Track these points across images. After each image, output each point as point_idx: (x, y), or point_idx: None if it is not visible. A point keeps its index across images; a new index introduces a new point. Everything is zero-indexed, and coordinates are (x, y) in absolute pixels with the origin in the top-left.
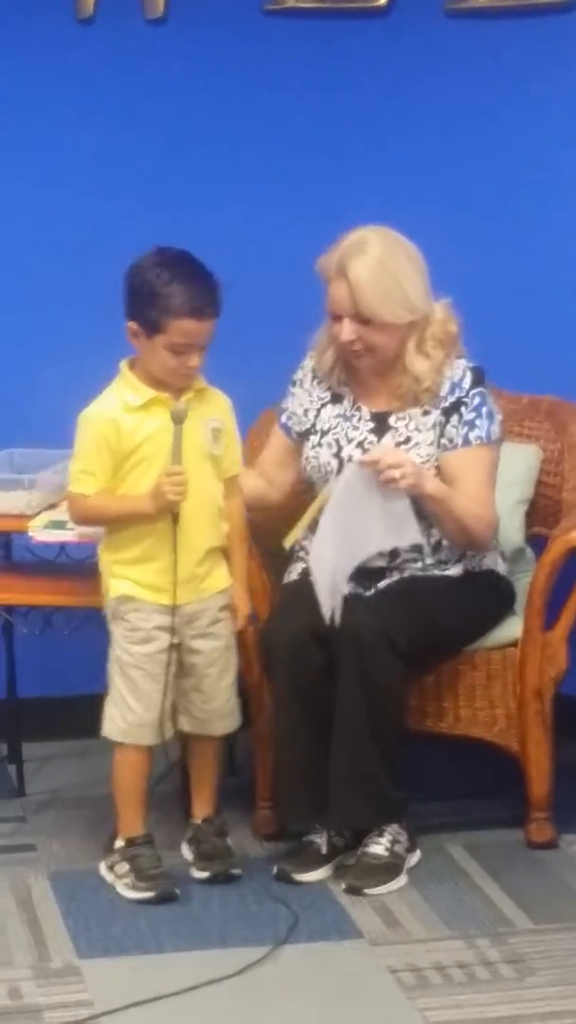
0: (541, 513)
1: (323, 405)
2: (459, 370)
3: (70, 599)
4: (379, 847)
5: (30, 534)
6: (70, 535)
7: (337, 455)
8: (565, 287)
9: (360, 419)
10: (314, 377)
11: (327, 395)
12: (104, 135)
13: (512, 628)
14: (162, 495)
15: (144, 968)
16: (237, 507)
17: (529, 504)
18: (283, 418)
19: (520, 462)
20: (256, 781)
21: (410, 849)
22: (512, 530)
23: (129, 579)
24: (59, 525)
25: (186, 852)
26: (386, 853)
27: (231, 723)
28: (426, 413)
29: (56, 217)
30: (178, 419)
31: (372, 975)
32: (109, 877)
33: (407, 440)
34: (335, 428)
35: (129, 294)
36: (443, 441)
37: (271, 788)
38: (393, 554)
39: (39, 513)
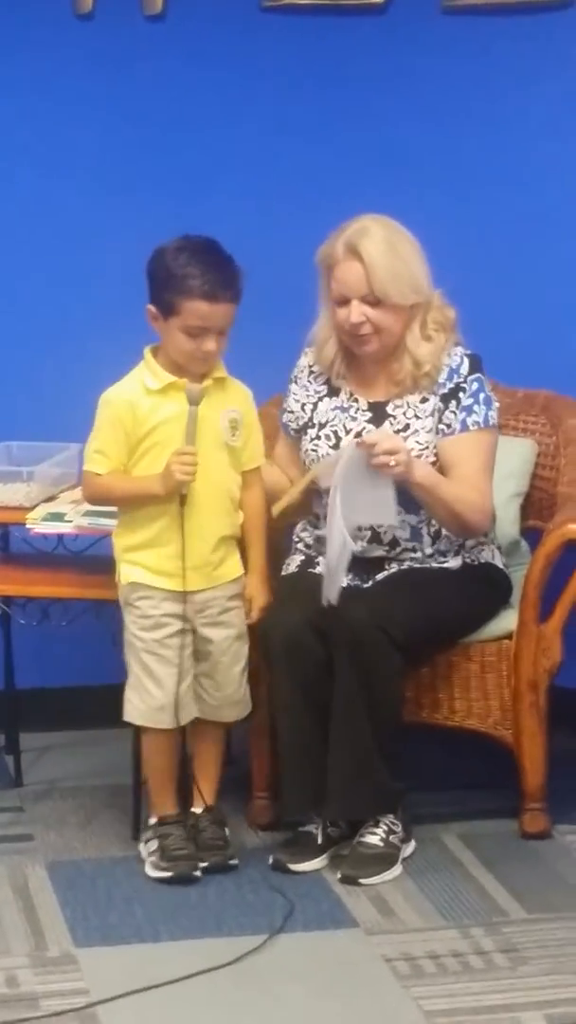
0: (536, 506)
1: (320, 398)
2: (457, 357)
3: (67, 591)
4: (375, 837)
5: (28, 526)
6: (68, 527)
7: (336, 447)
8: (560, 281)
9: (358, 410)
10: (311, 372)
11: (324, 388)
12: (102, 130)
13: (507, 620)
14: (171, 475)
15: (140, 957)
16: (256, 499)
17: (524, 497)
18: (285, 418)
19: (516, 456)
20: (252, 771)
21: (405, 840)
22: (507, 523)
23: (140, 565)
24: (57, 517)
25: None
26: (381, 843)
27: (241, 710)
28: (424, 400)
29: (54, 212)
30: (193, 400)
31: (367, 964)
32: (143, 854)
33: (406, 427)
34: (333, 420)
35: (149, 277)
36: (441, 427)
37: (270, 779)
38: (392, 543)
39: (37, 505)
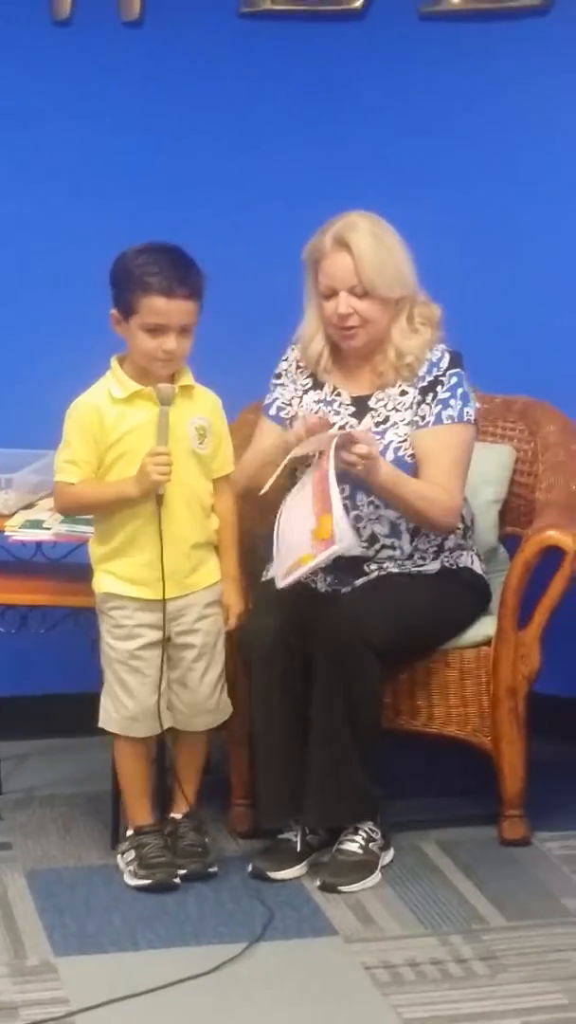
0: (515, 513)
1: (305, 392)
2: (438, 352)
3: (45, 598)
4: (354, 845)
5: (6, 533)
6: (46, 535)
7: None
8: (540, 287)
9: (340, 404)
10: (298, 367)
11: (309, 382)
12: (79, 136)
13: (486, 627)
14: (146, 476)
15: (120, 965)
16: (228, 506)
17: (503, 504)
18: (272, 411)
19: (494, 462)
20: (231, 779)
21: (384, 847)
22: (486, 530)
23: (113, 574)
24: (35, 524)
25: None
26: (360, 851)
27: (214, 719)
28: (403, 393)
29: (32, 218)
30: (164, 400)
31: (346, 972)
32: (121, 865)
33: (386, 420)
34: (316, 413)
35: (111, 282)
36: (415, 419)
37: (249, 786)
38: (371, 539)
39: (15, 513)
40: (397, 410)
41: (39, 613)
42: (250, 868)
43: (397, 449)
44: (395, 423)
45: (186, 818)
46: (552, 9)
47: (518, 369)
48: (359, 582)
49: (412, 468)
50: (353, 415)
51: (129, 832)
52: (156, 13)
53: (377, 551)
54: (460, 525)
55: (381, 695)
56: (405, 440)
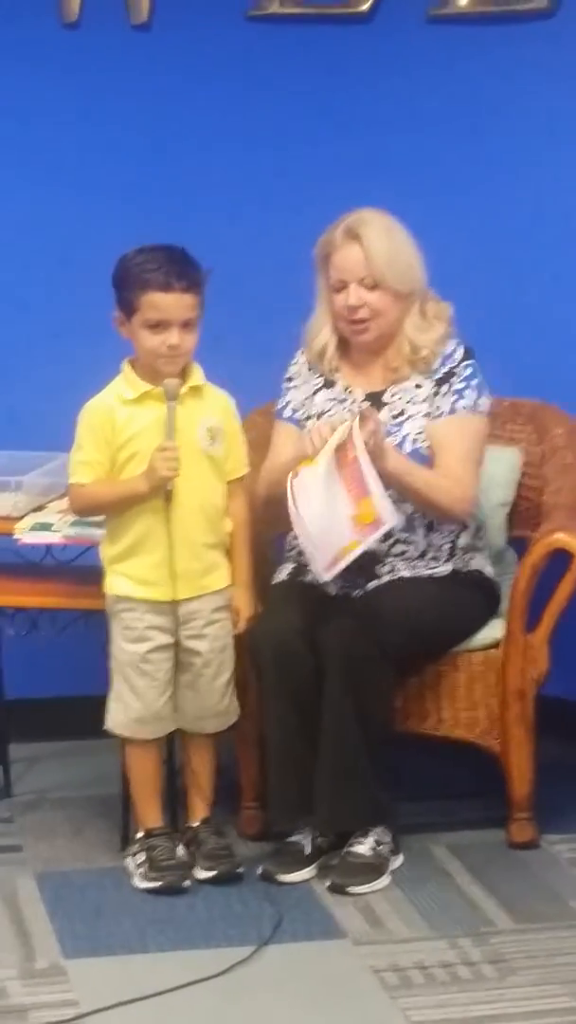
0: (523, 515)
1: (316, 391)
2: (451, 345)
3: (56, 601)
4: (363, 847)
5: (16, 536)
6: (56, 537)
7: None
8: (547, 291)
9: (354, 401)
10: (309, 368)
11: (320, 381)
12: (87, 139)
13: (494, 630)
14: (155, 471)
15: (129, 968)
16: (242, 509)
17: (511, 507)
18: (287, 412)
19: (502, 465)
20: (241, 781)
21: (394, 852)
22: (494, 532)
23: (124, 575)
24: (45, 527)
25: (182, 853)
26: (370, 853)
27: (223, 721)
28: (418, 386)
29: (39, 221)
30: (170, 395)
31: (355, 975)
32: (131, 867)
33: (401, 413)
34: (329, 411)
35: (113, 284)
36: (430, 410)
37: (259, 789)
38: (385, 534)
39: (25, 515)
40: (413, 403)
41: (49, 616)
42: (259, 871)
43: (414, 441)
44: (411, 416)
45: (204, 823)
46: (559, 11)
47: (526, 372)
48: (371, 585)
49: (429, 461)
50: None
51: (139, 835)
52: (164, 16)
53: (390, 547)
54: (473, 520)
55: (392, 700)
56: (422, 432)
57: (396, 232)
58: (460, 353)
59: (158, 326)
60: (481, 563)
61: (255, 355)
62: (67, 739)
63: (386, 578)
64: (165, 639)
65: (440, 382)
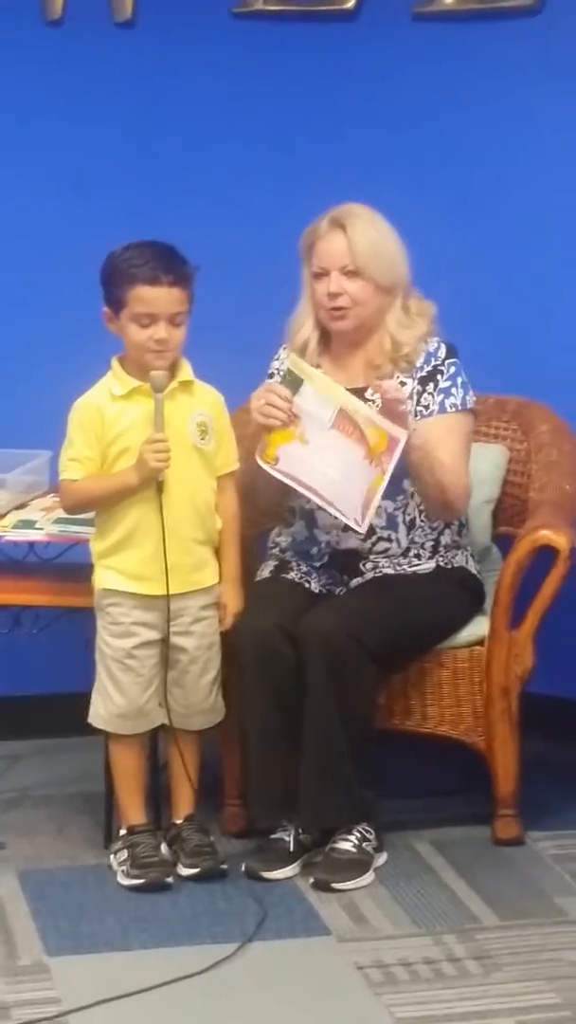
0: (508, 512)
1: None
2: (434, 343)
3: (39, 598)
4: (347, 843)
5: None
6: (38, 535)
7: None
8: (531, 287)
9: None
10: None
11: None
12: (71, 136)
13: (479, 627)
14: (144, 463)
15: (112, 965)
16: (232, 504)
17: (496, 504)
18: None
19: (487, 462)
20: (224, 778)
21: (378, 849)
22: (479, 530)
23: (114, 569)
24: (28, 525)
25: (165, 851)
26: (354, 849)
27: (210, 719)
28: (402, 383)
29: (25, 218)
30: (157, 387)
31: (339, 971)
32: (114, 864)
33: None
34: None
35: (101, 281)
36: (419, 408)
37: (242, 786)
38: (369, 531)
39: (8, 513)
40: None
41: (32, 613)
42: (243, 868)
43: None
44: None
45: (187, 821)
46: (544, 9)
47: (511, 369)
48: (353, 583)
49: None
50: None
51: (122, 832)
52: (148, 13)
53: (373, 544)
54: (461, 518)
55: (375, 697)
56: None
57: (381, 225)
58: (443, 351)
59: (146, 320)
60: (464, 560)
61: (243, 353)
62: (49, 736)
63: (369, 575)
64: (151, 635)
65: (424, 380)
